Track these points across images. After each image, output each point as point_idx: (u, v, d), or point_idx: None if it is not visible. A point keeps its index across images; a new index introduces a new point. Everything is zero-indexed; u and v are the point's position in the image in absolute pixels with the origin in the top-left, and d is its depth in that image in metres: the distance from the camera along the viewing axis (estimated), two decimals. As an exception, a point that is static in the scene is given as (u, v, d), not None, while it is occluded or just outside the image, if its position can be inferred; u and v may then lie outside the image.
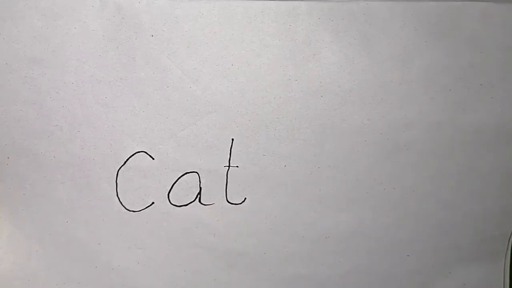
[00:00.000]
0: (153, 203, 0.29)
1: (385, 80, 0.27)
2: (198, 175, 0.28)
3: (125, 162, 0.28)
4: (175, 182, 0.28)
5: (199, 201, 0.29)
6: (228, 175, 0.28)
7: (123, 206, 0.29)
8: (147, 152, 0.28)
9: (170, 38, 0.26)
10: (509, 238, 0.32)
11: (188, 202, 0.29)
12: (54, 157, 0.28)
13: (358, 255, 0.31)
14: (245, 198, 0.29)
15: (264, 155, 0.28)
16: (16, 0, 0.25)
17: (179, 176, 0.28)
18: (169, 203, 0.29)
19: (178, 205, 0.29)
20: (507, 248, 0.32)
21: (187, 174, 0.28)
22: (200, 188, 0.29)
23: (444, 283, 0.32)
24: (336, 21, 0.26)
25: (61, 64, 0.26)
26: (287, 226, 0.30)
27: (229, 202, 0.29)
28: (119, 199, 0.28)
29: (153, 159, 0.28)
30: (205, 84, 0.26)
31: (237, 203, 0.29)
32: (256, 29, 0.26)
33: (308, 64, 0.26)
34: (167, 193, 0.29)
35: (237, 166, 0.28)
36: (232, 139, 0.28)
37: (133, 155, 0.28)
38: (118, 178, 0.28)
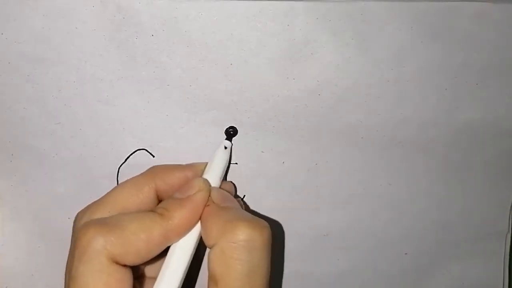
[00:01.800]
0: (153, 199, 0.29)
1: (381, 79, 0.27)
2: (198, 172, 0.29)
3: (126, 160, 0.28)
4: (175, 179, 0.29)
5: (199, 197, 0.29)
6: (227, 172, 0.29)
7: (124, 202, 0.29)
8: (148, 149, 0.28)
9: (170, 37, 0.26)
10: (506, 235, 0.32)
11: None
12: (56, 154, 0.28)
13: (356, 252, 0.31)
14: (244, 195, 0.29)
15: (262, 152, 0.29)
16: (18, 1, 0.25)
17: (179, 173, 0.28)
18: (169, 200, 0.29)
19: (178, 201, 0.29)
20: (505, 245, 0.32)
21: (187, 171, 0.28)
22: (200, 185, 0.29)
23: (442, 281, 0.33)
24: (333, 21, 0.26)
25: (63, 63, 0.26)
26: (285, 223, 0.30)
27: (228, 198, 0.29)
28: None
29: (154, 156, 0.28)
30: (205, 82, 0.27)
31: (236, 199, 0.29)
32: (254, 29, 0.26)
33: (306, 63, 0.27)
34: (167, 190, 0.29)
35: (236, 163, 0.29)
36: (232, 137, 0.28)
37: (133, 152, 0.28)
38: (119, 175, 0.28)
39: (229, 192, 0.26)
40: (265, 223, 0.21)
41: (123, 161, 0.28)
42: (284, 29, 0.26)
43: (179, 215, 0.22)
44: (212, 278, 0.21)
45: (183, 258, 0.22)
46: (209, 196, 0.23)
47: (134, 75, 0.27)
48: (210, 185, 0.24)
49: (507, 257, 0.33)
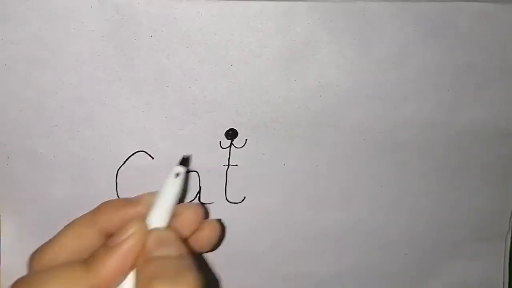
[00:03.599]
0: (153, 202, 0.29)
1: (383, 79, 0.27)
2: (198, 174, 0.28)
3: (124, 162, 0.28)
4: (174, 181, 0.28)
5: (199, 200, 0.29)
6: (228, 174, 0.28)
7: (123, 205, 0.29)
8: (147, 151, 0.28)
9: (169, 38, 0.25)
10: (506, 235, 0.32)
11: (188, 201, 0.29)
12: (53, 156, 0.28)
13: (356, 253, 0.31)
14: (245, 197, 0.29)
15: (263, 154, 0.28)
16: (14, 1, 0.24)
17: (179, 175, 0.28)
18: (169, 202, 0.29)
19: (177, 204, 0.29)
20: (505, 245, 0.32)
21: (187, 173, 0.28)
22: (200, 187, 0.29)
23: (443, 281, 0.33)
24: (334, 21, 0.26)
25: (60, 65, 0.26)
26: (286, 224, 0.30)
27: (228, 201, 0.29)
28: (119, 198, 0.28)
29: (153, 158, 0.28)
30: (204, 84, 0.26)
31: (236, 202, 0.29)
32: (255, 29, 0.26)
33: (307, 64, 0.26)
34: (167, 192, 0.29)
35: (236, 165, 0.28)
36: (232, 139, 0.28)
37: (132, 154, 0.28)
38: (118, 177, 0.28)
39: (191, 217, 0.24)
40: (193, 279, 0.19)
41: (122, 163, 0.28)
42: (285, 29, 0.26)
43: (105, 266, 0.20)
44: None
45: None
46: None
47: (133, 76, 0.26)
48: (145, 228, 0.21)
49: (507, 257, 0.33)
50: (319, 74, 0.27)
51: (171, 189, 0.23)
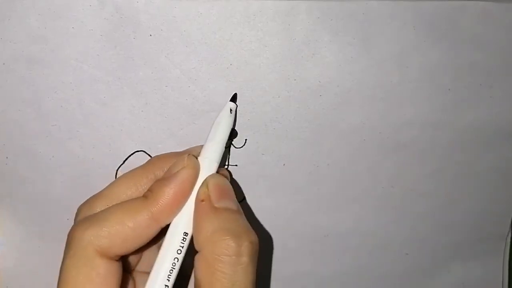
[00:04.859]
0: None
1: (384, 79, 0.27)
2: (197, 174, 0.28)
3: (124, 162, 0.28)
4: (174, 181, 0.28)
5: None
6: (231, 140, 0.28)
7: (123, 205, 0.29)
8: (146, 151, 0.28)
9: (168, 37, 0.25)
10: (507, 236, 0.32)
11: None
12: (53, 156, 0.28)
13: (357, 253, 0.31)
14: (244, 197, 0.29)
15: (263, 154, 0.28)
16: (13, 0, 0.24)
17: (178, 175, 0.28)
18: (169, 202, 0.29)
19: (177, 204, 0.29)
20: (506, 246, 0.32)
21: (186, 173, 0.28)
22: (199, 187, 0.29)
23: (443, 281, 0.33)
24: (335, 20, 0.25)
25: (59, 64, 0.26)
26: (286, 225, 0.30)
27: (228, 201, 0.29)
28: None
29: (152, 158, 0.28)
30: (204, 83, 0.26)
31: (236, 202, 0.29)
32: (255, 28, 0.25)
33: (307, 63, 0.26)
34: (166, 192, 0.28)
35: (236, 165, 0.28)
36: (232, 138, 0.28)
37: (132, 154, 0.28)
38: (117, 177, 0.28)
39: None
40: (254, 237, 0.21)
41: (122, 163, 0.28)
42: (285, 28, 0.26)
43: (163, 194, 0.21)
44: (197, 284, 0.20)
45: (175, 236, 0.21)
46: (197, 175, 0.22)
47: (132, 76, 0.26)
48: (195, 161, 0.23)
49: (507, 258, 0.33)
50: (319, 73, 0.26)
51: (225, 123, 0.24)
